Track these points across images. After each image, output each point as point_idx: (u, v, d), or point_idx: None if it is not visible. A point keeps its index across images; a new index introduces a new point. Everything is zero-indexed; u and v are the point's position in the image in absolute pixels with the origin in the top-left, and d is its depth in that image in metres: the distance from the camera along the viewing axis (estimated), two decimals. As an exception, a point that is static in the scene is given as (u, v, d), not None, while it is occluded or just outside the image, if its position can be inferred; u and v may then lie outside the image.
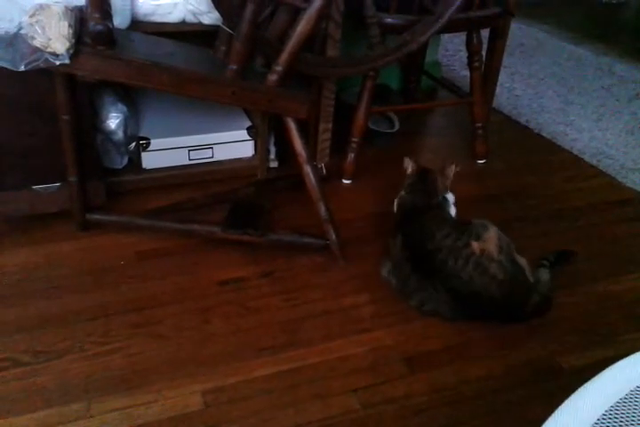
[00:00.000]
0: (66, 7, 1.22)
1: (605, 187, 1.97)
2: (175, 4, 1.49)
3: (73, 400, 1.14)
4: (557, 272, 1.45)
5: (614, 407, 0.56)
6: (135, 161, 1.79)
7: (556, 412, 0.56)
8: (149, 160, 1.78)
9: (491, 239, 1.35)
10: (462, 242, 1.33)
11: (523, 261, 1.37)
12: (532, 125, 2.35)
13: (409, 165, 1.57)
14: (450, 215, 1.51)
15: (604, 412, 0.56)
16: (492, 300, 1.30)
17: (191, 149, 1.81)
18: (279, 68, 1.33)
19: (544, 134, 2.29)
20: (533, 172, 2.04)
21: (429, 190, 1.52)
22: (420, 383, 1.22)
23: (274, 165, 1.89)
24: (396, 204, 1.56)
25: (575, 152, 2.16)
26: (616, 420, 0.58)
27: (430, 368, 1.25)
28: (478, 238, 1.34)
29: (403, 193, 1.56)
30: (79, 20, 1.25)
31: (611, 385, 0.59)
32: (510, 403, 1.19)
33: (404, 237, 1.40)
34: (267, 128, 1.75)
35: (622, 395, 0.58)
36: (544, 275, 1.40)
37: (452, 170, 1.55)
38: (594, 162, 2.10)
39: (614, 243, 1.69)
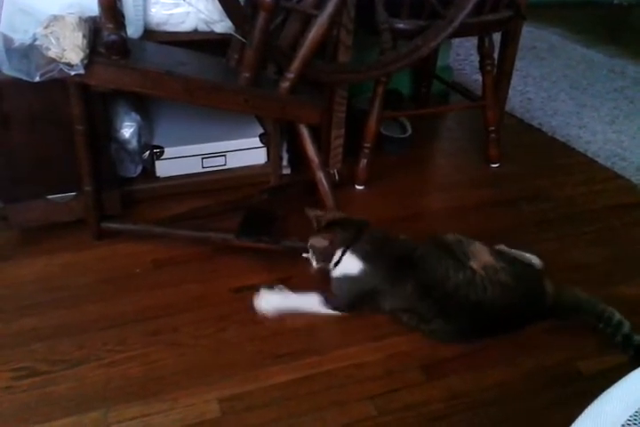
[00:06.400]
0: (80, 18, 1.23)
1: (621, 189, 1.96)
2: (187, 14, 1.50)
3: (90, 409, 1.14)
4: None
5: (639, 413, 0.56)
6: (149, 169, 1.80)
7: (580, 417, 0.55)
8: (163, 168, 1.79)
9: (479, 251, 1.33)
10: (466, 272, 1.29)
11: (513, 251, 1.39)
12: (545, 128, 2.34)
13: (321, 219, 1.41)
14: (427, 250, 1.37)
15: (628, 418, 0.55)
16: (515, 305, 1.30)
17: (204, 156, 1.82)
18: (291, 75, 1.33)
19: (558, 137, 2.28)
20: (548, 175, 2.03)
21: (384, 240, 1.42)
22: (437, 390, 1.21)
23: (286, 171, 1.90)
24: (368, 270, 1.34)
25: (589, 155, 2.15)
26: (640, 426, 0.57)
27: (447, 375, 1.24)
28: (469, 257, 1.32)
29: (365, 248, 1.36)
30: (93, 30, 1.26)
31: (635, 390, 0.58)
32: (529, 409, 1.18)
33: (417, 282, 1.30)
34: (279, 135, 1.75)
35: (647, 400, 0.57)
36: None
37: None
38: (608, 164, 2.08)
39: (631, 245, 1.67)
